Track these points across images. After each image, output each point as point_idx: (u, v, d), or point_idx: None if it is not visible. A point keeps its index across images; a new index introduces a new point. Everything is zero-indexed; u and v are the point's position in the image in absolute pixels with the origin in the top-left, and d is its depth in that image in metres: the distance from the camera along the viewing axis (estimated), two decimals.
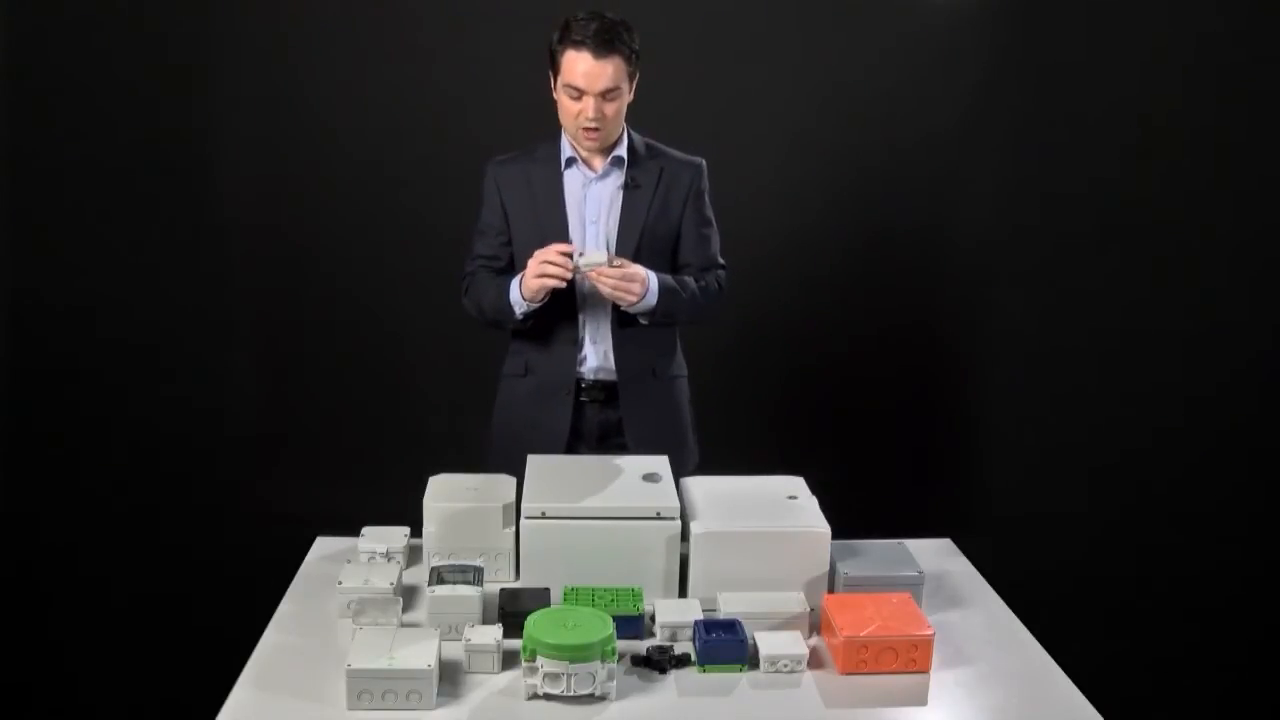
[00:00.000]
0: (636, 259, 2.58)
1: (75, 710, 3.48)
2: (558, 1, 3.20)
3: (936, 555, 2.43)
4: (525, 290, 2.54)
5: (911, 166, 3.48)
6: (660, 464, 2.32)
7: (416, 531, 2.29)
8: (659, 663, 1.97)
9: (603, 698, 1.87)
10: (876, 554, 2.24)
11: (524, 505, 2.16)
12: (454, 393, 3.46)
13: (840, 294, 3.54)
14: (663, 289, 2.57)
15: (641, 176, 2.63)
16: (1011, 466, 3.65)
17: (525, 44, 3.30)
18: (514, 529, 2.21)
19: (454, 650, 1.95)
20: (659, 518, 2.15)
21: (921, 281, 3.57)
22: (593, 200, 2.64)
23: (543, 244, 2.56)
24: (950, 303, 3.59)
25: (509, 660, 1.94)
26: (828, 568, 2.16)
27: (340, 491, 3.35)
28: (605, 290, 2.50)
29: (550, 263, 2.46)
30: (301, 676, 1.92)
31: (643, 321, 2.62)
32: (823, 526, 2.16)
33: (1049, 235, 3.53)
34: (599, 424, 2.69)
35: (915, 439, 3.62)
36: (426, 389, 3.50)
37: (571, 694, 1.84)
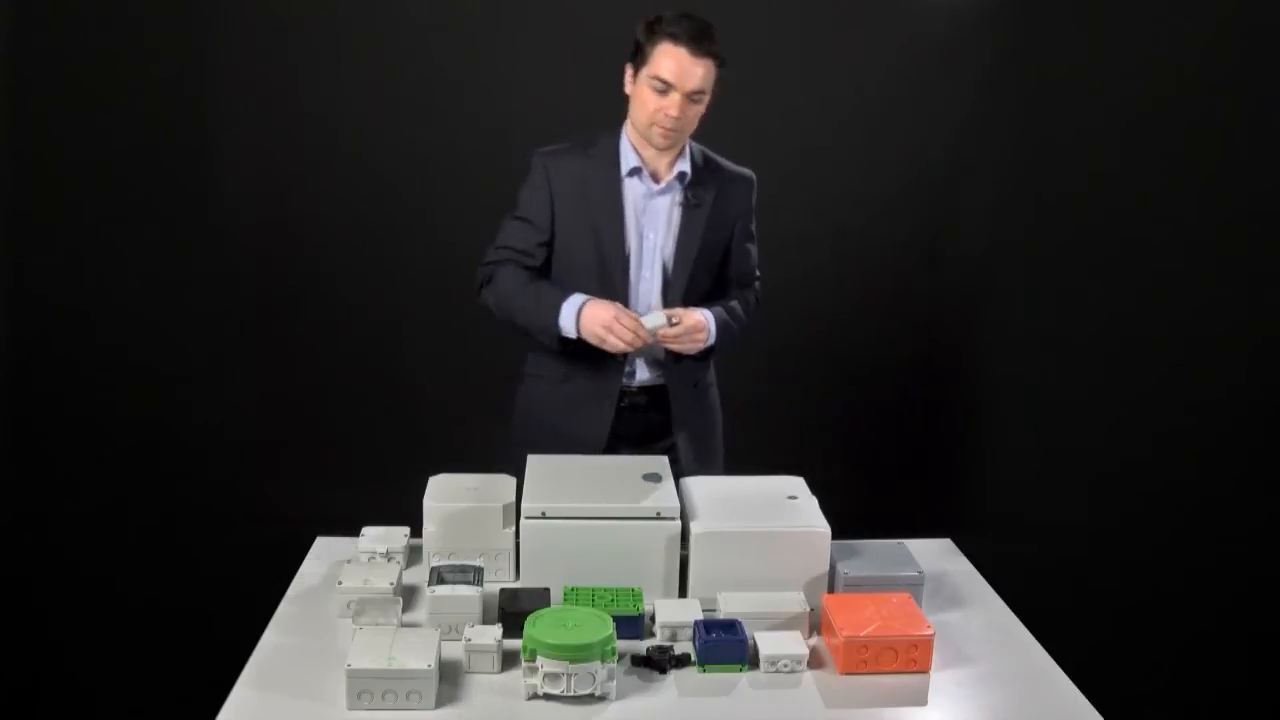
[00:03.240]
0: (690, 277, 2.56)
1: (76, 710, 3.48)
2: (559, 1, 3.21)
3: (936, 555, 2.43)
4: (584, 333, 2.47)
5: (912, 167, 3.48)
6: (660, 464, 2.32)
7: (416, 531, 2.29)
8: (659, 663, 1.97)
9: (603, 698, 1.87)
10: (876, 554, 2.24)
11: (524, 505, 2.16)
12: (454, 393, 3.46)
13: (840, 295, 3.54)
14: (719, 326, 2.57)
15: (701, 193, 2.58)
16: (1012, 467, 3.65)
17: (525, 44, 3.32)
18: (514, 529, 2.21)
19: (454, 650, 1.95)
20: (659, 518, 2.14)
21: (921, 282, 3.57)
22: (652, 214, 2.57)
23: (597, 256, 2.54)
24: (950, 303, 3.59)
25: (509, 660, 1.94)
26: (828, 568, 2.16)
27: (340, 491, 3.35)
28: (671, 346, 2.50)
29: (624, 332, 2.41)
30: (301, 676, 1.92)
31: (696, 359, 2.62)
32: (823, 526, 2.16)
33: (1050, 236, 3.53)
34: (644, 424, 2.67)
35: (915, 439, 3.62)
36: (426, 389, 3.50)
37: (571, 694, 1.84)
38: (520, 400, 2.76)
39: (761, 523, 2.15)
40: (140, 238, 3.36)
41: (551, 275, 2.62)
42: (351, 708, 1.82)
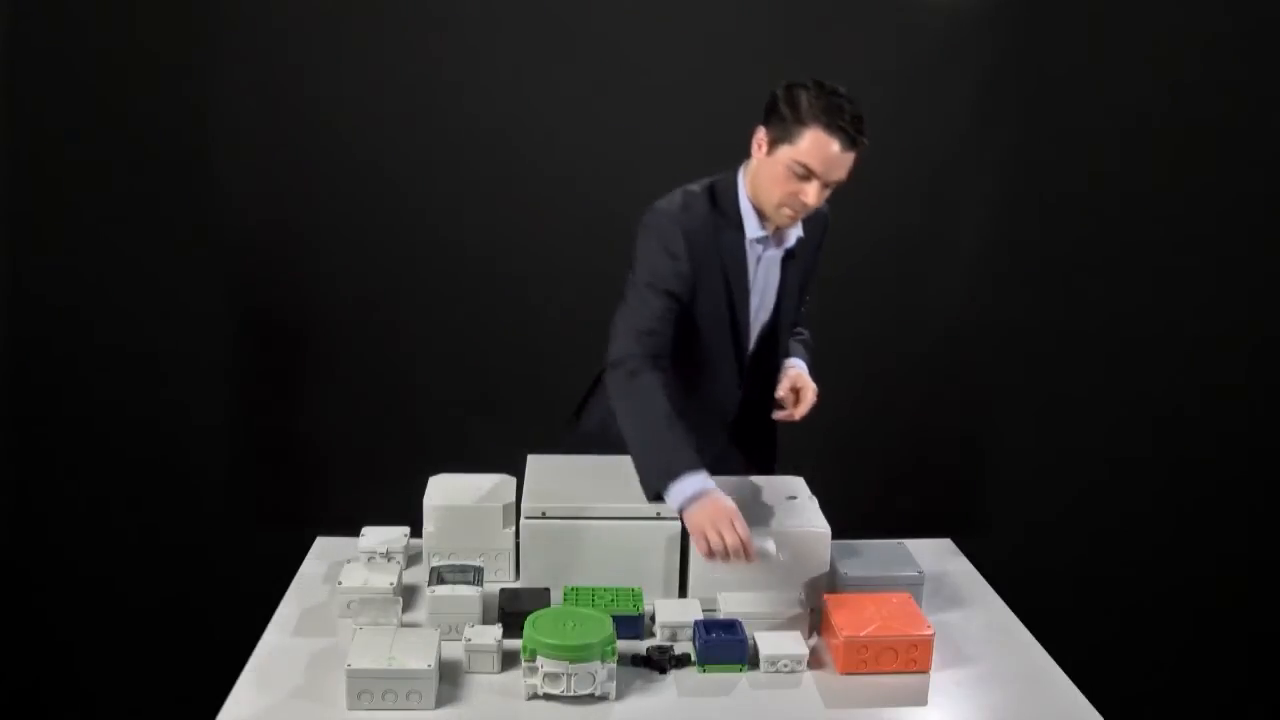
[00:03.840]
0: (789, 319, 2.53)
1: (77, 710, 3.47)
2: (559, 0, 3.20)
3: (936, 555, 2.43)
4: (689, 519, 2.09)
5: (912, 167, 3.48)
6: None
7: (416, 531, 2.29)
8: (659, 663, 1.97)
9: (603, 698, 1.87)
10: (876, 554, 2.24)
11: (524, 505, 2.16)
12: (454, 393, 3.46)
13: (840, 294, 3.53)
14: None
15: (800, 245, 2.46)
16: (1012, 467, 3.65)
17: (526, 44, 3.32)
18: (514, 529, 2.21)
19: (454, 650, 1.95)
20: (659, 518, 2.15)
21: (921, 281, 3.57)
22: (762, 273, 2.44)
23: (724, 322, 2.39)
24: (950, 302, 3.58)
25: (509, 660, 1.94)
26: (828, 568, 2.16)
27: (340, 491, 3.35)
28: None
29: (733, 541, 2.05)
30: (301, 676, 1.92)
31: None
32: (823, 526, 2.16)
33: (1050, 236, 3.53)
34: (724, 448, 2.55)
35: (915, 439, 3.62)
36: (427, 389, 3.49)
37: (571, 694, 1.84)
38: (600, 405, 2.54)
39: (761, 523, 2.15)
40: (140, 238, 3.36)
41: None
42: (351, 708, 1.82)
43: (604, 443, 2.43)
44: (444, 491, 2.27)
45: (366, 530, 2.33)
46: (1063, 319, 3.58)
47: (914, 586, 2.15)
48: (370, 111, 3.34)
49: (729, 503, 2.07)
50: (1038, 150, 3.48)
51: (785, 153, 2.25)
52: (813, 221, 2.49)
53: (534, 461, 2.34)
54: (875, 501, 3.33)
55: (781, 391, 2.46)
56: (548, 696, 1.86)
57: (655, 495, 2.15)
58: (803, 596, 2.12)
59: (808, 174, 2.24)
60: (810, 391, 2.45)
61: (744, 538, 2.02)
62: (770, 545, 2.09)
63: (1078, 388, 3.61)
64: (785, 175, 2.26)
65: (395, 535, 2.32)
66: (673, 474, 2.11)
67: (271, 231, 3.41)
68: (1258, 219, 3.52)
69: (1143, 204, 3.51)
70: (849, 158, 2.25)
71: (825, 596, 2.09)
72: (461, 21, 3.31)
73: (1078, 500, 3.64)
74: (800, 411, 2.45)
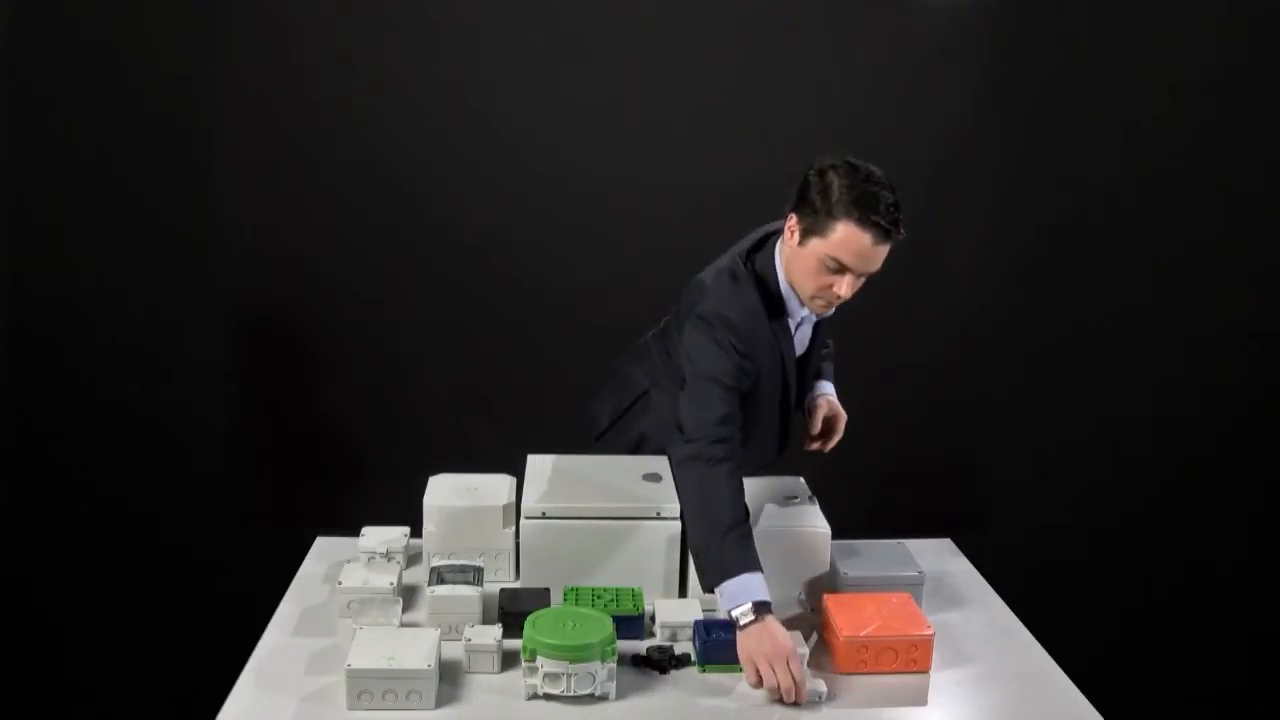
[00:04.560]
0: (819, 353, 2.51)
1: (76, 710, 3.47)
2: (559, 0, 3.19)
3: (936, 555, 2.43)
4: (744, 644, 1.97)
5: (912, 166, 3.47)
6: (660, 464, 2.32)
7: (416, 531, 2.29)
8: (659, 663, 1.97)
9: (603, 698, 1.87)
10: (876, 554, 2.24)
11: (524, 505, 2.16)
12: (454, 393, 3.46)
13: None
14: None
15: None
16: (1011, 467, 3.64)
17: (526, 44, 3.32)
18: (514, 529, 2.21)
19: (454, 650, 1.95)
20: (659, 518, 2.15)
21: (921, 280, 3.56)
22: (800, 336, 2.40)
23: (774, 395, 2.34)
24: (950, 302, 3.58)
25: (509, 660, 1.94)
26: (828, 568, 2.16)
27: (340, 491, 3.35)
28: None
29: (785, 680, 1.95)
30: (301, 676, 1.92)
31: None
32: (823, 526, 2.16)
33: (1050, 235, 3.53)
34: None
35: (915, 439, 3.62)
36: (427, 389, 3.49)
37: (571, 694, 1.84)
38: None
39: (761, 523, 2.15)
40: (140, 238, 3.36)
41: None
42: (351, 708, 1.82)
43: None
44: (444, 491, 2.27)
45: (366, 530, 2.33)
46: (1063, 319, 3.58)
47: (914, 586, 2.15)
48: (371, 111, 3.34)
49: (787, 639, 1.95)
50: (1038, 150, 3.48)
51: (817, 246, 2.15)
52: None
53: (534, 461, 2.34)
54: (875, 501, 3.33)
55: (816, 428, 2.46)
56: (548, 696, 1.86)
57: (710, 589, 2.05)
58: (803, 596, 2.12)
59: (840, 268, 2.16)
60: (841, 423, 2.46)
61: (798, 681, 1.92)
62: (821, 686, 1.95)
63: (1078, 388, 3.61)
64: (818, 268, 2.17)
65: (395, 535, 2.32)
66: (735, 572, 2.00)
67: (272, 231, 3.41)
68: (1258, 219, 3.52)
69: (1143, 204, 3.50)
70: (883, 250, 2.15)
71: (825, 596, 2.09)
72: (463, 21, 3.31)
73: (1078, 500, 3.64)
74: (831, 444, 2.46)
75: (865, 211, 2.10)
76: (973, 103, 3.45)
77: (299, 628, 2.09)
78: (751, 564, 2.01)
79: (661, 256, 2.95)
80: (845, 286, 2.18)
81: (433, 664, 1.84)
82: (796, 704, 1.92)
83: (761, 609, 1.96)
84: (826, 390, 2.54)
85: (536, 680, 1.85)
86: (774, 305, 2.28)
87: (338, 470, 3.47)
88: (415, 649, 1.86)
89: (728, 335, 2.20)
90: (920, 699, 1.93)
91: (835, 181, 2.14)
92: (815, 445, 2.47)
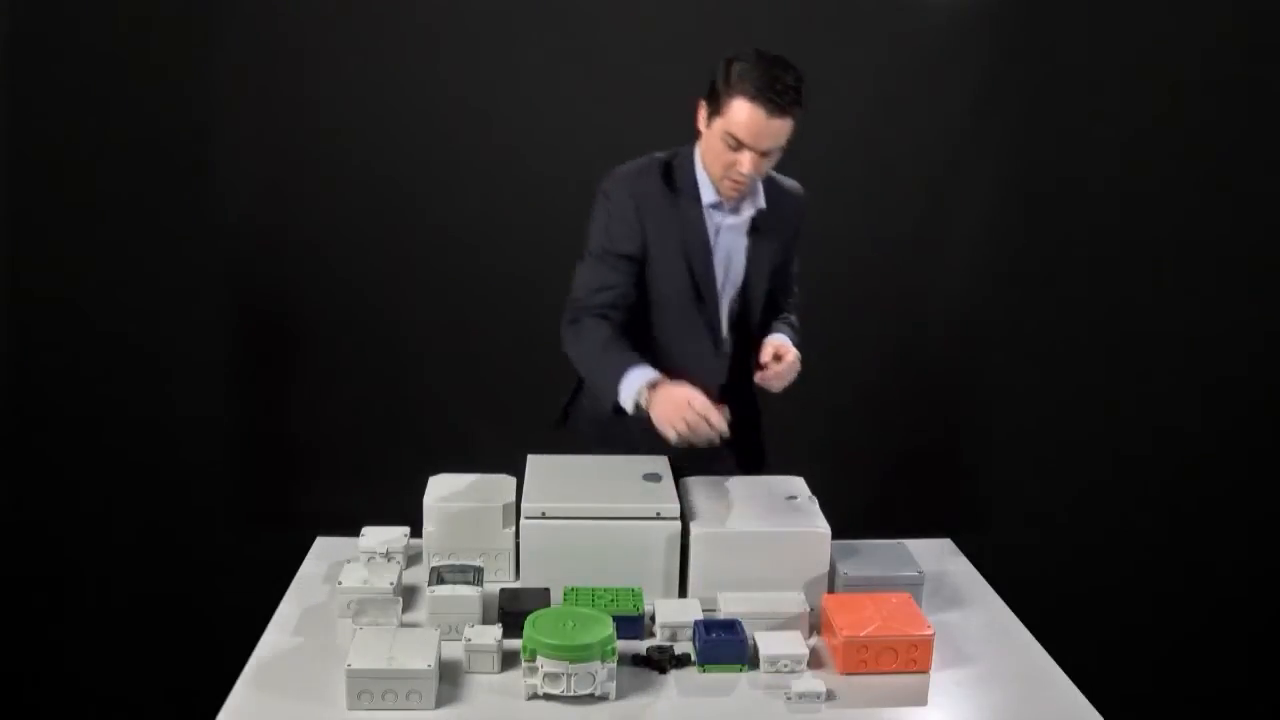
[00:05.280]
0: (764, 300, 2.51)
1: (76, 711, 3.47)
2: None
3: (936, 555, 2.43)
4: (654, 416, 2.16)
5: (911, 167, 3.48)
6: (660, 464, 2.32)
7: (416, 531, 2.29)
8: (659, 663, 1.97)
9: (603, 698, 1.87)
10: (876, 554, 2.24)
11: (524, 505, 2.16)
12: (454, 393, 3.46)
13: (839, 294, 3.53)
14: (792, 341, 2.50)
15: (770, 220, 2.47)
16: (1011, 467, 3.65)
17: (526, 41, 3.32)
18: (514, 529, 2.21)
19: (454, 650, 1.95)
20: (659, 518, 2.15)
21: (921, 281, 3.57)
22: (724, 244, 2.46)
23: (689, 294, 2.41)
24: (950, 302, 3.59)
25: (509, 660, 1.94)
26: (828, 568, 2.16)
27: (340, 491, 3.35)
28: (778, 388, 2.39)
29: (703, 426, 2.12)
30: (301, 676, 1.92)
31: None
32: (823, 526, 2.16)
33: (1050, 235, 3.53)
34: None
35: (915, 439, 3.62)
36: (426, 388, 3.49)
37: (571, 694, 1.84)
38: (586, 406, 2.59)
39: (761, 523, 2.15)
40: (140, 238, 3.36)
41: (648, 311, 2.47)
42: (351, 708, 1.82)
43: (601, 441, 2.45)
44: (444, 491, 2.27)
45: (366, 530, 2.33)
46: (1063, 318, 3.58)
47: (914, 586, 2.15)
48: (372, 111, 3.34)
49: (684, 389, 2.14)
50: (1038, 150, 3.48)
51: (718, 125, 2.28)
52: (784, 199, 2.52)
53: (534, 461, 2.34)
54: (875, 501, 3.33)
55: (764, 357, 2.38)
56: (548, 696, 1.86)
57: (616, 409, 2.24)
58: (803, 596, 2.12)
59: (739, 145, 2.26)
60: (792, 356, 2.37)
61: (703, 413, 2.10)
62: (821, 687, 1.92)
63: (1077, 387, 3.61)
64: (721, 147, 2.29)
65: (395, 535, 2.32)
66: (619, 375, 2.22)
67: (272, 231, 3.42)
68: (1258, 218, 3.53)
69: (1143, 203, 3.51)
70: (778, 126, 2.25)
71: (825, 596, 2.09)
72: (463, 21, 3.31)
73: (1078, 500, 3.64)
74: (780, 373, 2.36)
75: (758, 88, 2.21)
76: (973, 103, 3.45)
77: (299, 628, 2.09)
78: (631, 360, 2.24)
79: None
80: (747, 163, 2.27)
81: (433, 664, 1.84)
82: (725, 442, 2.14)
83: (655, 384, 2.17)
84: (779, 334, 2.49)
85: (536, 680, 1.85)
86: (688, 192, 2.39)
87: (338, 470, 3.47)
88: (415, 649, 1.86)
89: (616, 204, 2.38)
90: (920, 699, 1.93)
91: (736, 65, 2.26)
92: (763, 376, 2.39)
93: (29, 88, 3.26)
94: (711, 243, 2.44)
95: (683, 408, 2.12)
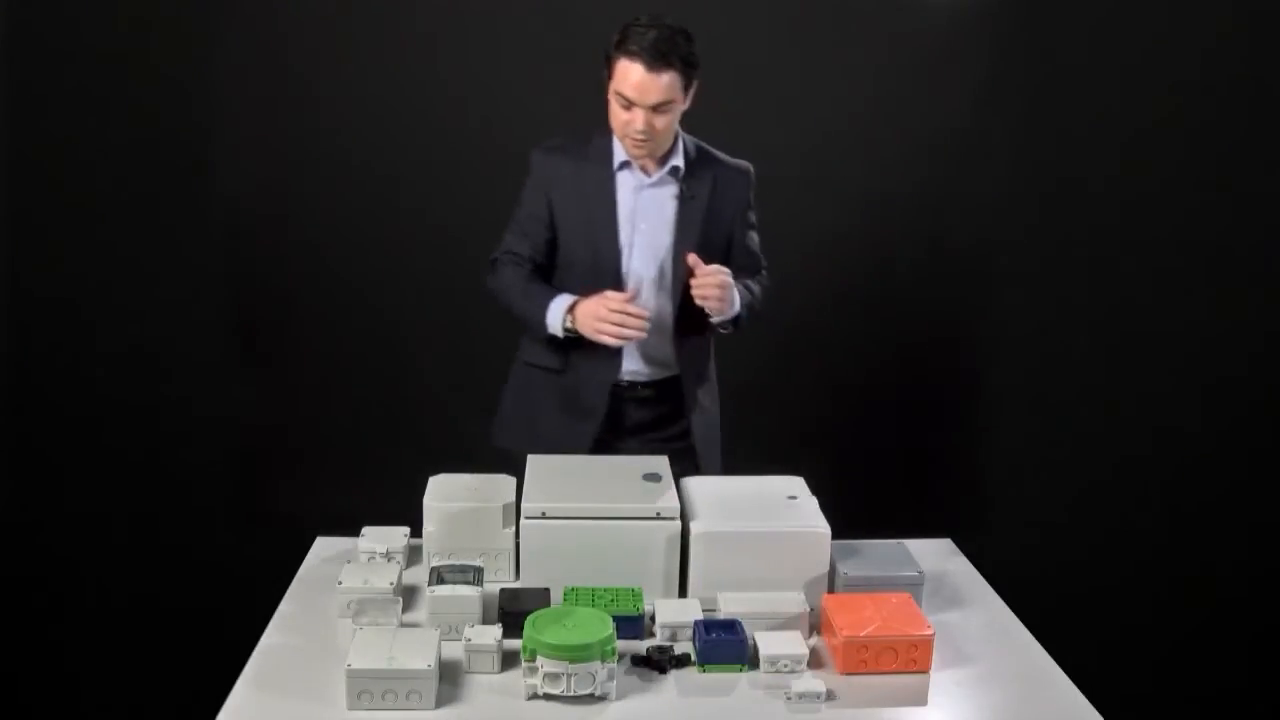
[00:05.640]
0: (689, 271, 2.54)
1: (76, 711, 3.48)
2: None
3: (936, 555, 2.43)
4: (583, 331, 2.49)
5: (912, 168, 3.48)
6: (660, 464, 2.32)
7: (416, 531, 2.28)
8: (659, 663, 1.97)
9: (603, 698, 1.87)
10: (876, 554, 2.23)
11: (524, 505, 2.16)
12: (454, 393, 3.46)
13: (840, 294, 3.54)
14: (742, 302, 2.57)
15: (696, 186, 2.58)
16: (1011, 467, 3.65)
17: (526, 40, 3.32)
18: (514, 529, 2.21)
19: (454, 650, 1.95)
20: (659, 518, 2.14)
21: (922, 281, 3.57)
22: (644, 207, 2.58)
23: (591, 251, 2.57)
24: (951, 302, 3.59)
25: (509, 660, 1.94)
26: (828, 568, 2.16)
27: (340, 491, 3.34)
28: (711, 305, 2.47)
29: (625, 320, 2.43)
30: (301, 676, 1.92)
31: (722, 331, 2.62)
32: (823, 526, 2.16)
33: (1050, 235, 3.53)
34: (653, 412, 2.69)
35: (915, 439, 3.62)
36: (426, 388, 3.49)
37: (571, 694, 1.84)
38: (514, 384, 2.79)
39: (761, 523, 2.15)
40: (139, 238, 3.36)
41: (555, 273, 2.65)
42: (351, 708, 1.82)
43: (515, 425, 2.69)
44: (444, 491, 2.27)
45: (366, 530, 2.33)
46: (1063, 318, 3.58)
47: (914, 586, 2.15)
48: (372, 111, 3.34)
49: (597, 298, 2.45)
50: (1038, 150, 3.48)
51: (611, 87, 2.45)
52: (727, 174, 2.62)
53: (534, 461, 2.34)
54: (875, 501, 3.33)
55: (696, 272, 2.47)
56: (548, 696, 1.86)
57: (549, 339, 2.54)
58: (803, 596, 2.12)
59: (628, 102, 2.42)
60: (710, 268, 2.46)
61: (619, 307, 2.40)
62: (820, 687, 1.90)
63: (1078, 388, 3.61)
64: (616, 108, 2.46)
65: (395, 535, 2.32)
66: (543, 308, 2.52)
67: (272, 231, 3.42)
68: (1258, 218, 3.53)
69: (1143, 203, 3.51)
70: (659, 80, 2.38)
71: (825, 596, 2.09)
72: (463, 21, 3.31)
73: (1078, 500, 3.64)
74: (703, 285, 2.45)
75: (639, 46, 2.37)
76: (973, 103, 3.45)
77: (299, 628, 2.09)
78: (551, 292, 2.54)
79: None
80: (639, 120, 2.42)
81: (433, 664, 1.83)
82: (638, 318, 2.41)
83: (574, 305, 2.48)
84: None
85: (536, 680, 1.85)
86: (598, 157, 2.57)
87: (338, 470, 3.47)
88: (415, 649, 1.86)
89: (532, 173, 2.62)
90: (920, 699, 1.92)
91: (623, 30, 2.42)
92: (692, 281, 2.49)
93: (29, 88, 3.26)
94: (620, 206, 2.57)
95: (600, 310, 2.42)
